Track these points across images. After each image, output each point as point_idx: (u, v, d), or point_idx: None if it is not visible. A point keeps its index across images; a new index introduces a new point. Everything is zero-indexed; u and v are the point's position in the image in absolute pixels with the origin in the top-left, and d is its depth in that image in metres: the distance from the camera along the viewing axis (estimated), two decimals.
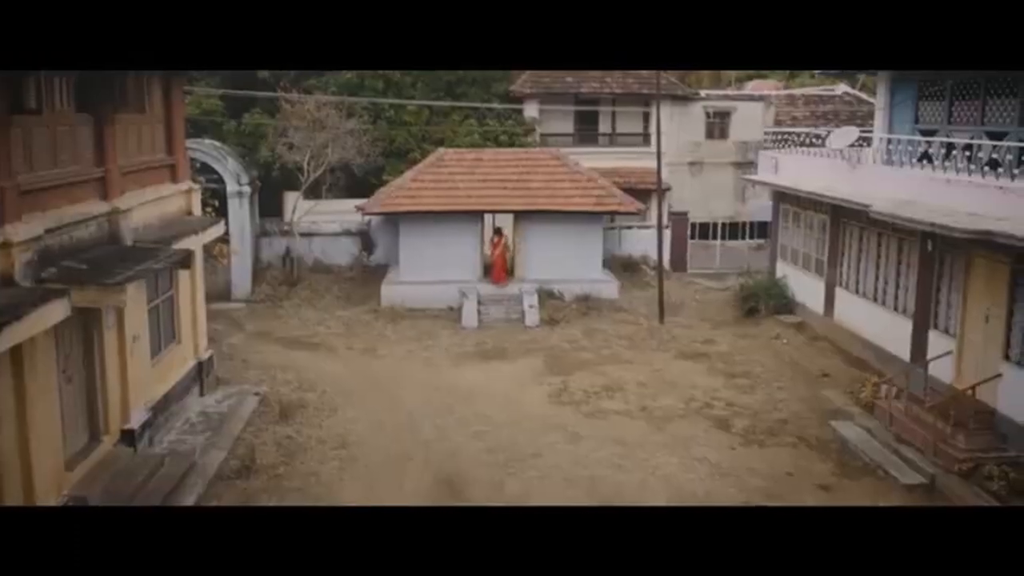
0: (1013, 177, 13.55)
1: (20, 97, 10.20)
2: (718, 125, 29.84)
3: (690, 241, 28.54)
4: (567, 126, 29.53)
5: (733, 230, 29.27)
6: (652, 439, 14.32)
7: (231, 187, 23.85)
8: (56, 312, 9.49)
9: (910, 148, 17.01)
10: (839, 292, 20.01)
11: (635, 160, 28.18)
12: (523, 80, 28.60)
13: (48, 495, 9.94)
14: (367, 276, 24.84)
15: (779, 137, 24.88)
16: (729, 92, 34.91)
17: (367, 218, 24.99)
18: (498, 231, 23.55)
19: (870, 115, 24.67)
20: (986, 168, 14.32)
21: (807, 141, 22.31)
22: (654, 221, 25.25)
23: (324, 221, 25.45)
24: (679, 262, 27.86)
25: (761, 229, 27.93)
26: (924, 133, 17.70)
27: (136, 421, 12.58)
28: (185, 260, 13.04)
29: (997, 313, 13.98)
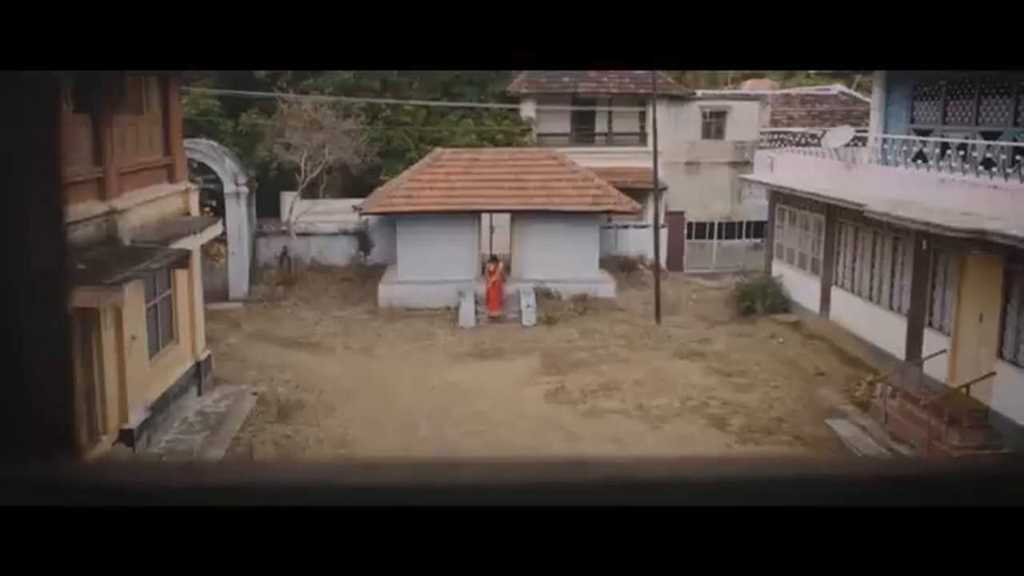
0: (1007, 176, 13.64)
1: None
2: (714, 125, 29.92)
3: (687, 241, 28.63)
4: (564, 126, 29.60)
5: (730, 229, 29.35)
6: (649, 437, 14.40)
7: (228, 187, 23.89)
8: None
9: (905, 148, 17.10)
10: (835, 291, 20.10)
11: (632, 160, 28.24)
12: (520, 80, 28.66)
13: None
14: (364, 276, 24.88)
15: (775, 137, 24.97)
16: (725, 92, 35.01)
17: (364, 218, 25.05)
18: (494, 259, 22.57)
19: (866, 114, 24.77)
20: (980, 168, 14.41)
21: (803, 141, 22.40)
22: (651, 221, 25.32)
23: (321, 221, 25.49)
24: (676, 262, 27.94)
25: (758, 229, 28.02)
26: (919, 133, 17.79)
27: (134, 421, 12.64)
28: (183, 260, 13.11)
29: (991, 312, 14.07)
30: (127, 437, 12.44)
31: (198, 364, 16.01)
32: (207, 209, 22.23)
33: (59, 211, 0.62)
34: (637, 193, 25.75)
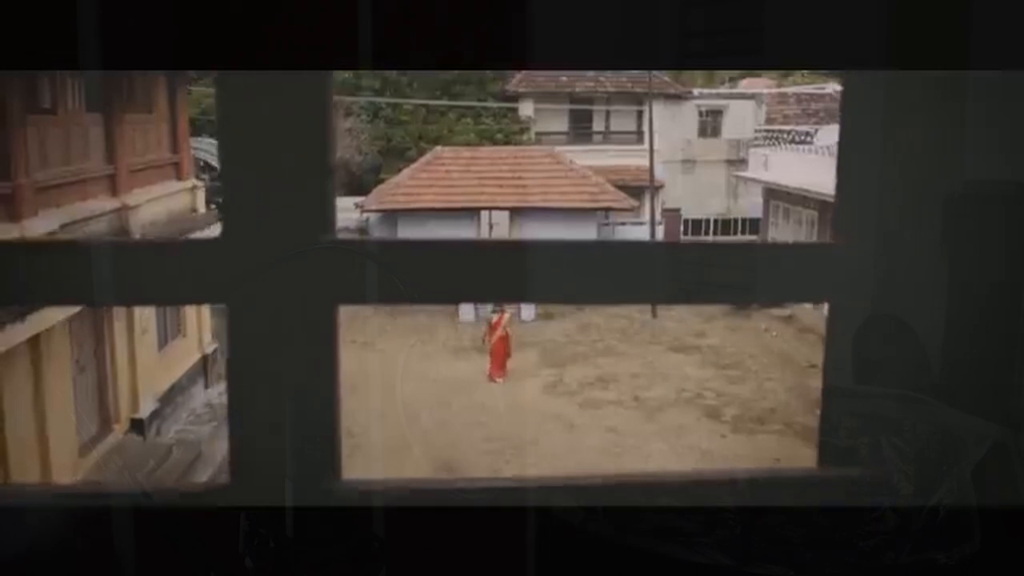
0: None
1: (35, 98, 10.62)
2: (711, 123, 30.24)
3: (683, 237, 28.93)
4: (562, 124, 29.88)
5: (725, 226, 29.67)
6: (644, 427, 14.76)
7: None
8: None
9: None
10: None
11: (629, 158, 28.55)
12: (518, 79, 28.96)
13: (64, 479, 10.35)
14: None
15: (770, 135, 25.31)
16: (721, 90, 35.32)
17: (366, 215, 25.35)
18: (498, 311, 19.01)
19: None
20: None
21: (796, 139, 22.75)
22: (647, 218, 25.66)
23: None
24: None
25: (753, 226, 28.35)
26: None
27: (145, 411, 13.00)
28: None
29: None
30: (138, 427, 12.80)
31: (205, 357, 16.34)
32: (212, 206, 22.54)
33: (330, 194, 0.72)
34: (634, 191, 26.06)
